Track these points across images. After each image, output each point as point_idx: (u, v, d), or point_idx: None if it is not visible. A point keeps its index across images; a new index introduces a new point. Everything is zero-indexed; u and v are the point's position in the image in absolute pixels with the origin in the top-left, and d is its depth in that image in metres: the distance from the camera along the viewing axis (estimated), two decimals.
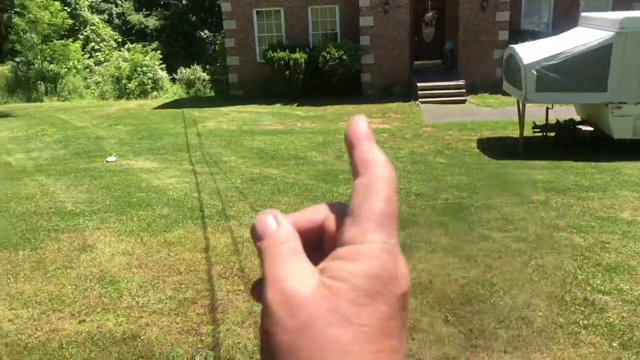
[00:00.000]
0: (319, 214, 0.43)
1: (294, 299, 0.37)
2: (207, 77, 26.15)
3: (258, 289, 0.38)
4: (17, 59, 27.02)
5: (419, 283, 5.10)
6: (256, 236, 0.40)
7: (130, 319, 4.47)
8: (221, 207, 7.84)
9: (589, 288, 4.96)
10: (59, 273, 5.51)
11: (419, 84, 18.85)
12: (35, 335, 4.24)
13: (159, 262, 5.76)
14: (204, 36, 34.71)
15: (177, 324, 4.39)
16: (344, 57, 19.02)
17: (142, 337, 4.17)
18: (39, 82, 25.45)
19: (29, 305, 4.78)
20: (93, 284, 5.21)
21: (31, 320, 4.50)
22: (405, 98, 18.90)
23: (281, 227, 0.40)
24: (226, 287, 5.08)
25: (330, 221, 0.42)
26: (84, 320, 4.48)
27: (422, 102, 18.16)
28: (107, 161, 11.76)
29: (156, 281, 5.24)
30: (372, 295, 0.37)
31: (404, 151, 12.13)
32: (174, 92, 25.93)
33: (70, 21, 27.13)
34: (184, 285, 5.12)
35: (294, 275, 0.37)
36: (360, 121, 0.42)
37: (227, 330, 4.31)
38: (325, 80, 19.84)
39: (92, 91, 26.20)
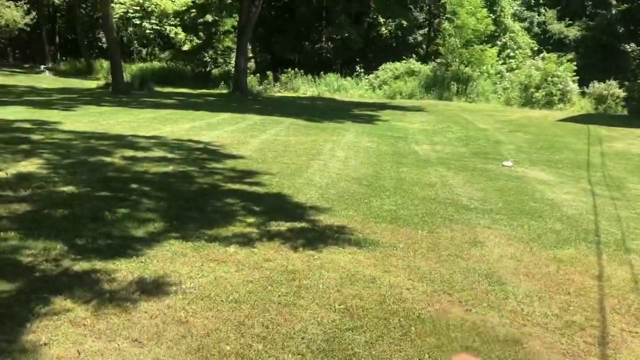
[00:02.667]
0: None
1: None
2: (622, 94, 23.90)
3: None
4: (438, 60, 29.80)
5: None
6: None
7: (513, 324, 4.47)
8: (620, 237, 7.12)
9: None
10: (450, 260, 5.90)
11: None
12: (426, 309, 4.64)
13: (546, 275, 5.59)
14: (629, 49, 31.68)
15: (562, 344, 4.18)
16: None
17: (524, 345, 4.12)
18: (452, 82, 27.57)
19: (423, 281, 5.26)
20: (481, 279, 5.39)
21: (424, 295, 4.94)
22: None
23: None
24: (620, 324, 4.59)
25: None
26: (470, 310, 4.68)
27: None
28: (503, 165, 11.99)
29: (542, 294, 5.10)
30: None
31: None
32: (580, 106, 24.69)
33: (492, 28, 28.38)
34: (572, 307, 4.85)
35: None
36: None
37: None
38: None
39: (499, 96, 26.97)
